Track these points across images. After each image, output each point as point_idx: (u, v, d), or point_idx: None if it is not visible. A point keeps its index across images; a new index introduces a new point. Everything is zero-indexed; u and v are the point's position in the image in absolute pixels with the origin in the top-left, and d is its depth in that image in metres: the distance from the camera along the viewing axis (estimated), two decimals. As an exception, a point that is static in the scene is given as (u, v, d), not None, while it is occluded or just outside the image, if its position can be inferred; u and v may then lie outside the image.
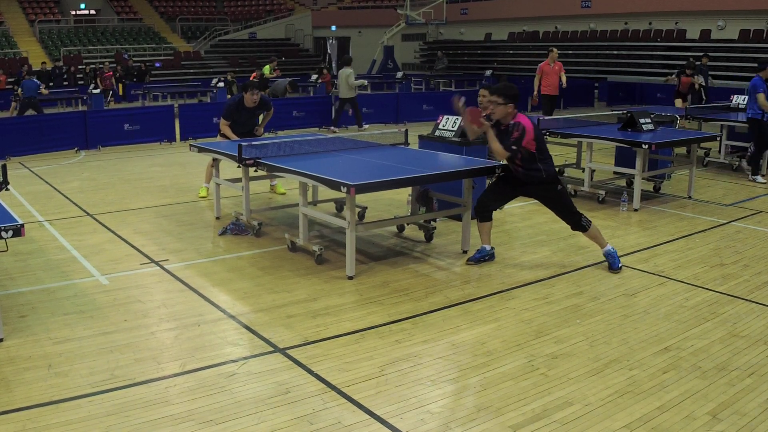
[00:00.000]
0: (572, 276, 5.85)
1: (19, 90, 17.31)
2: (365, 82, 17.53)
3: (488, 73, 26.82)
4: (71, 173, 10.94)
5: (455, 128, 7.56)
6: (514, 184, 6.15)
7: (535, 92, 14.73)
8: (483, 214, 6.24)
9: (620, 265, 6.03)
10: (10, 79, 23.17)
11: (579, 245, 6.68)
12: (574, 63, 26.83)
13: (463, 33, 33.58)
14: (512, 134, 5.83)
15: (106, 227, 7.50)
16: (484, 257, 6.26)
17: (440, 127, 7.75)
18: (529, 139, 5.80)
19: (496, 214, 8.03)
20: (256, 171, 6.96)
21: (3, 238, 4.34)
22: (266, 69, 19.99)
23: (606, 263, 6.07)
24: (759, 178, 9.84)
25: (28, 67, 23.53)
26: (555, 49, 14.70)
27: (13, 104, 19.44)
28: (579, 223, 6.01)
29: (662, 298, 5.37)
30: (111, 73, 22.16)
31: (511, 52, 30.27)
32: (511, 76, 26.64)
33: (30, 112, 15.78)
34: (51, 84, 23.32)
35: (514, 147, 5.80)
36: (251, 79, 20.04)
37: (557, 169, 10.31)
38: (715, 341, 4.57)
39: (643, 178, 8.45)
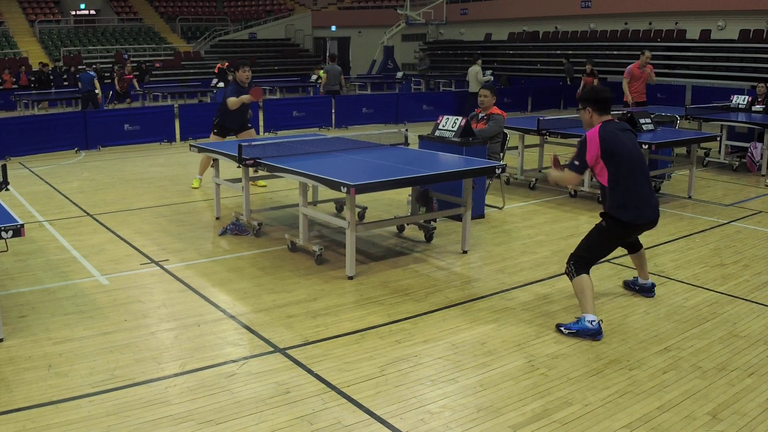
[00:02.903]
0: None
1: (79, 84, 17.45)
2: (491, 77, 18.22)
3: (488, 73, 26.83)
4: (71, 173, 10.94)
5: (455, 128, 7.56)
6: None
7: (627, 97, 12.73)
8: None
9: (571, 333, 4.71)
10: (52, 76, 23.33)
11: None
12: (574, 63, 26.85)
13: (463, 33, 33.56)
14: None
15: (106, 227, 7.50)
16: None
17: (440, 127, 7.75)
18: (593, 155, 4.73)
19: (496, 214, 8.06)
20: (256, 171, 6.96)
21: (3, 238, 4.35)
22: (321, 73, 20.14)
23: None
24: None
25: (83, 63, 23.64)
26: (648, 52, 12.73)
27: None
28: (568, 265, 4.88)
29: (662, 298, 5.37)
30: (131, 76, 22.08)
31: (511, 52, 30.25)
32: (511, 77, 26.73)
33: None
34: (52, 84, 23.34)
35: (576, 162, 4.79)
36: (215, 71, 20.54)
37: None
38: (715, 341, 4.57)
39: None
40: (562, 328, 4.78)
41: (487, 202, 8.12)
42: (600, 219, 4.93)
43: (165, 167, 11.44)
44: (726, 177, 10.38)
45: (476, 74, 17.20)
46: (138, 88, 21.60)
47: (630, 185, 4.74)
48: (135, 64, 26.89)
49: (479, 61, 17.54)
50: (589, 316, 4.70)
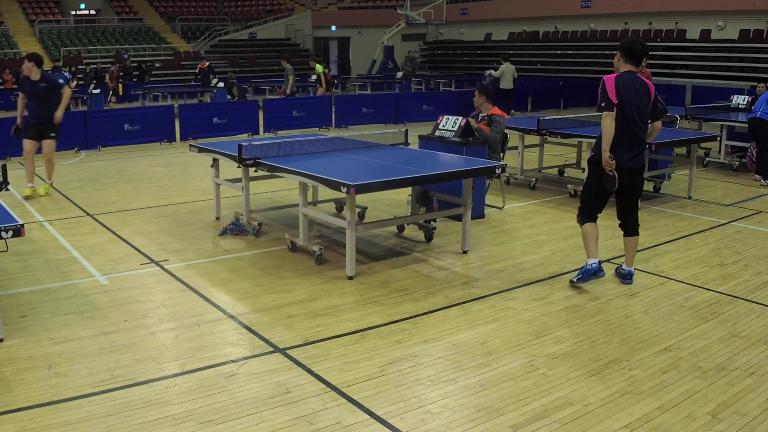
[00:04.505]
0: (572, 276, 5.84)
1: None
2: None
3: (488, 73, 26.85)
4: (71, 173, 10.95)
5: (455, 128, 7.56)
6: None
7: None
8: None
9: (579, 278, 5.54)
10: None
11: (579, 245, 6.66)
12: (574, 63, 26.88)
13: (463, 33, 33.58)
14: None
15: (106, 227, 7.50)
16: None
17: (440, 127, 7.75)
18: (613, 93, 5.18)
19: (496, 214, 8.06)
20: (256, 171, 6.95)
21: (3, 238, 4.35)
22: (319, 68, 20.21)
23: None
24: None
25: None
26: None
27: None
28: (577, 216, 5.64)
29: (662, 298, 5.37)
30: (116, 74, 22.17)
31: (511, 52, 30.22)
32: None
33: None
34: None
35: (603, 104, 5.21)
36: (205, 70, 20.76)
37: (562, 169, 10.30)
38: (715, 341, 4.57)
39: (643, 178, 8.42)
40: (573, 280, 5.55)
41: (487, 202, 8.12)
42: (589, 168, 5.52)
43: (165, 167, 11.44)
44: (726, 177, 10.38)
45: (513, 71, 18.64)
46: (110, 83, 21.99)
47: (623, 133, 5.26)
48: (135, 64, 26.97)
49: (508, 59, 18.65)
50: (590, 260, 5.46)
